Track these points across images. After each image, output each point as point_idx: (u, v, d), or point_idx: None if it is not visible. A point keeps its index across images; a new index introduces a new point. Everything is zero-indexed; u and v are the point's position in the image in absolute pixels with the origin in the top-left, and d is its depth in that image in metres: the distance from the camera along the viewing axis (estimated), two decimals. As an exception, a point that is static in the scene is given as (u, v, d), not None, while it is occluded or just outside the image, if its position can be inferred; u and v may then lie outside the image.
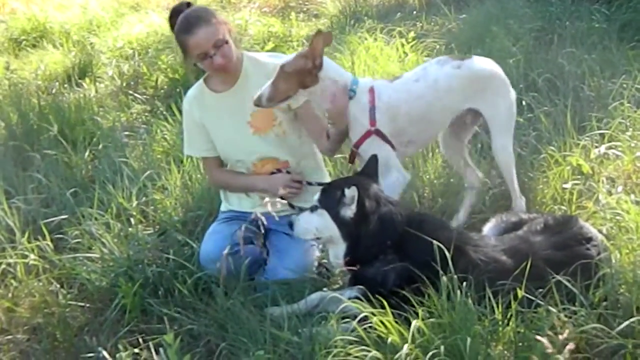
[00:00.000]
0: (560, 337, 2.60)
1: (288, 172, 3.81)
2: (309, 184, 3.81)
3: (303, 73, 3.43)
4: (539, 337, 2.61)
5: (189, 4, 3.75)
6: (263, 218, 3.46)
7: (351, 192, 3.16)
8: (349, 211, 3.19)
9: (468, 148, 4.15)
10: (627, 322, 2.83)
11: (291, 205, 3.76)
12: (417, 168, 4.48)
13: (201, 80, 3.92)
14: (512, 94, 3.81)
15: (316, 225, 3.30)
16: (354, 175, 3.61)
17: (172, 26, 3.74)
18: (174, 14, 3.73)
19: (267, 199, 3.54)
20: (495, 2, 7.71)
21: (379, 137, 3.54)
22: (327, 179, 4.02)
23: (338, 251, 3.29)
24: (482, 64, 3.78)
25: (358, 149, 3.59)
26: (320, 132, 3.73)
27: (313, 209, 3.33)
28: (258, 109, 3.66)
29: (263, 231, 3.64)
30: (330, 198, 3.27)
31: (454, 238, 3.07)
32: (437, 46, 6.79)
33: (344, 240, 3.24)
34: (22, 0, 11.94)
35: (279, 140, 3.82)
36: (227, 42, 3.65)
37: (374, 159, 3.45)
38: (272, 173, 3.83)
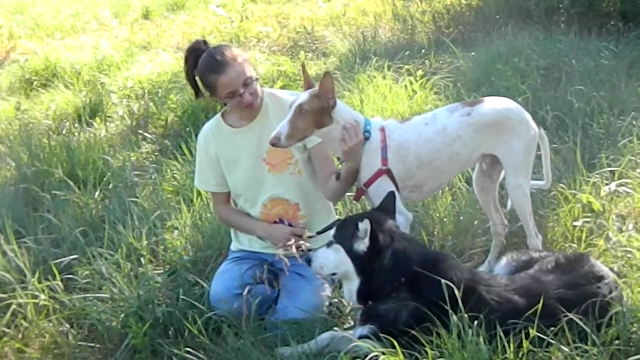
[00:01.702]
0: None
1: (290, 225, 3.79)
2: (310, 237, 3.73)
3: (320, 112, 3.43)
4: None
5: (205, 42, 3.76)
6: (286, 260, 3.45)
7: (364, 226, 3.15)
8: (363, 245, 3.18)
9: (498, 190, 4.07)
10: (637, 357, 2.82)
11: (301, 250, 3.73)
12: (427, 207, 4.47)
13: (219, 115, 3.93)
14: (532, 132, 3.72)
15: (332, 260, 3.28)
16: (369, 211, 3.60)
17: (189, 64, 3.74)
18: (192, 52, 3.73)
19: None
20: (503, 40, 7.73)
21: (389, 177, 3.53)
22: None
23: (352, 287, 3.27)
24: (495, 106, 3.70)
25: (368, 188, 3.57)
26: (329, 175, 3.71)
27: (329, 245, 3.32)
28: None
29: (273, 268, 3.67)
30: (345, 233, 3.27)
31: (467, 278, 3.08)
32: (446, 84, 6.81)
33: (358, 275, 3.22)
34: (36, 41, 12.06)
35: (293, 180, 3.82)
36: (255, 80, 3.68)
37: (391, 195, 3.44)
38: (276, 222, 3.83)
